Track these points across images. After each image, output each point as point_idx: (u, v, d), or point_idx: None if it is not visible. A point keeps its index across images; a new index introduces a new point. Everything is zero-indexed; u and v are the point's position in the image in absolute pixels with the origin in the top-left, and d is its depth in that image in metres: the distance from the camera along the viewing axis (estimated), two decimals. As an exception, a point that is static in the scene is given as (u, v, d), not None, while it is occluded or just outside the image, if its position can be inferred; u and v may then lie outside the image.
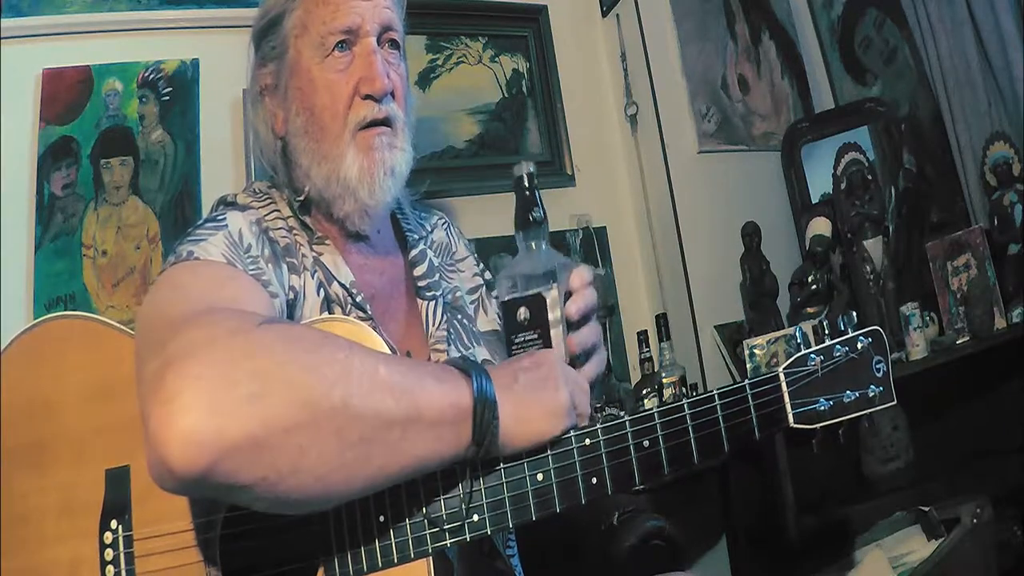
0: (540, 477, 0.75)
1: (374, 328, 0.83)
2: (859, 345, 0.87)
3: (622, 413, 0.80)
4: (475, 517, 0.74)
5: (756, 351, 2.13)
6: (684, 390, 2.09)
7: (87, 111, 1.89)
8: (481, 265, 1.20)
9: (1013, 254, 2.00)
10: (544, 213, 0.88)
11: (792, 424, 0.81)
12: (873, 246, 2.21)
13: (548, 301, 0.84)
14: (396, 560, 0.73)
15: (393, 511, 0.74)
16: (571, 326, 0.85)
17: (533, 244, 0.87)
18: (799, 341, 0.90)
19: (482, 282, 1.17)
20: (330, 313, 0.94)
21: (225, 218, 0.91)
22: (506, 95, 2.33)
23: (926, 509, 1.56)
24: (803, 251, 2.36)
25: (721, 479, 1.98)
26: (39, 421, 0.78)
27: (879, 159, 2.33)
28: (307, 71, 0.95)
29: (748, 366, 2.14)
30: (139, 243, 1.88)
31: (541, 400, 0.75)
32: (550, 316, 0.83)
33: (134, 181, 1.91)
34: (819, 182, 2.42)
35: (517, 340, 0.84)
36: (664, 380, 2.04)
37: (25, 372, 0.79)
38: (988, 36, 2.11)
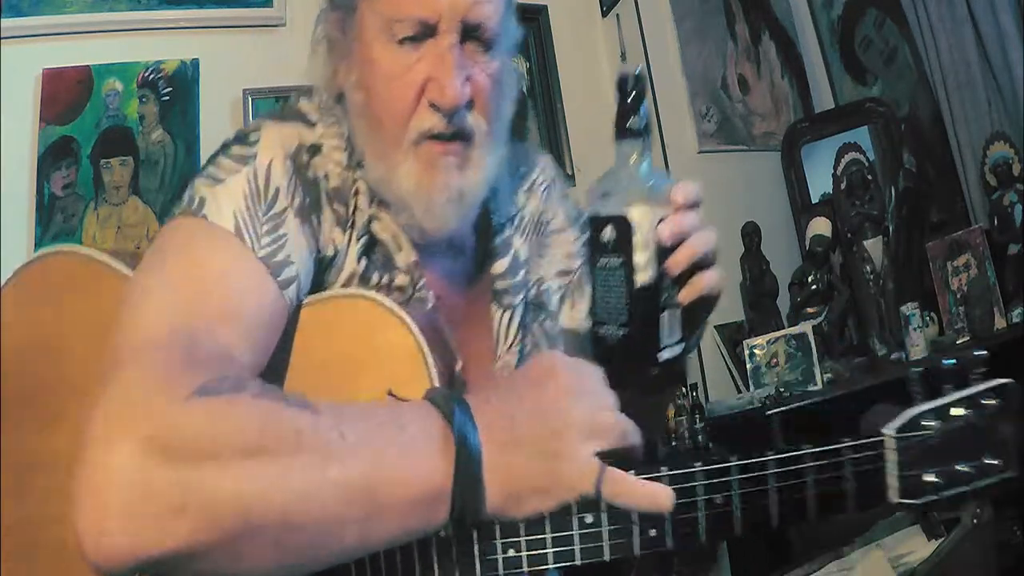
0: (589, 520, 0.63)
1: (433, 326, 0.72)
2: (983, 405, 0.69)
3: (697, 463, 0.66)
4: (510, 552, 0.64)
5: (756, 351, 2.13)
6: (684, 390, 2.09)
7: (87, 111, 1.90)
8: (588, 235, 0.99)
9: (1013, 254, 2.00)
10: (647, 124, 0.76)
11: (895, 501, 0.68)
12: (873, 246, 2.21)
13: (635, 224, 0.72)
14: None
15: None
16: (666, 252, 0.72)
17: (630, 158, 0.75)
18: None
19: (577, 265, 0.95)
20: (366, 287, 0.78)
21: (258, 141, 0.75)
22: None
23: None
24: (803, 251, 2.36)
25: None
26: (45, 366, 0.74)
27: (879, 159, 2.33)
28: (369, 46, 0.77)
29: (748, 366, 2.14)
30: (139, 243, 1.88)
31: (541, 472, 0.60)
32: (636, 244, 0.72)
33: (134, 181, 1.91)
34: (819, 182, 2.42)
35: (600, 263, 0.74)
36: (664, 380, 2.04)
37: (29, 313, 0.75)
38: (988, 36, 2.11)
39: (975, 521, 1.48)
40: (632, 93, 0.74)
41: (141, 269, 0.68)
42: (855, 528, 1.67)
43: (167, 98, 1.95)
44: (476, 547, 0.63)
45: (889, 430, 0.67)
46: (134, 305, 0.63)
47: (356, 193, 0.79)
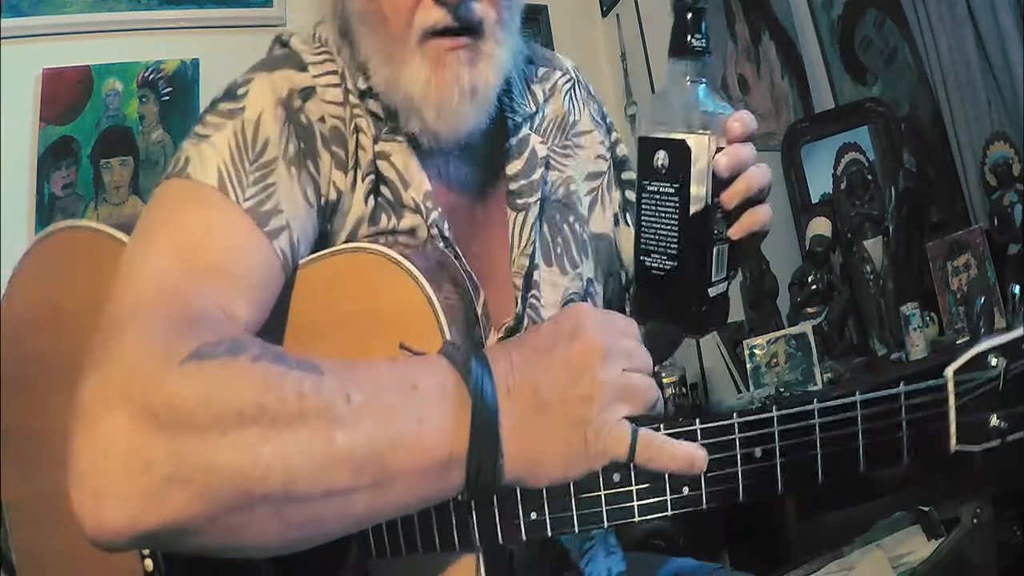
0: (617, 478, 0.59)
1: (449, 269, 0.69)
2: None
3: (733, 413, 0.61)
4: (533, 515, 0.60)
5: (756, 351, 2.13)
6: (684, 390, 2.09)
7: (87, 111, 1.90)
8: (614, 136, 0.93)
9: (1013, 254, 2.00)
10: (708, 44, 0.70)
11: (954, 447, 0.61)
12: (873, 246, 2.21)
13: (693, 152, 0.67)
14: (438, 546, 0.61)
15: None
16: (720, 183, 0.68)
17: (686, 79, 0.70)
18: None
19: (606, 167, 0.91)
20: (376, 228, 0.75)
21: (247, 93, 0.73)
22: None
23: (926, 509, 1.56)
24: (803, 251, 2.36)
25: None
26: (58, 339, 0.72)
27: (879, 159, 2.33)
28: None
29: (748, 366, 2.14)
30: (139, 243, 1.88)
31: (567, 439, 0.56)
32: (693, 172, 0.67)
33: (134, 181, 1.91)
34: (819, 182, 2.42)
35: (651, 188, 0.69)
36: (664, 380, 2.05)
37: (46, 285, 0.75)
38: (988, 36, 2.11)
39: (975, 521, 1.47)
40: (693, 9, 0.69)
41: (131, 238, 0.66)
42: (855, 528, 1.67)
43: (167, 98, 1.95)
44: (496, 510, 0.60)
45: (950, 370, 0.61)
46: (123, 274, 0.61)
47: (356, 131, 0.75)
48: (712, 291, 0.69)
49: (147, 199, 2.05)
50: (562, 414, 0.56)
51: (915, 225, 2.23)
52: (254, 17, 2.06)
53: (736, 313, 2.30)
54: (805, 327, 2.11)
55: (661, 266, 0.69)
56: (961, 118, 2.18)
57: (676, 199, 0.67)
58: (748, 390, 2.12)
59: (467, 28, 0.71)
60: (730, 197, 0.68)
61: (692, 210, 0.67)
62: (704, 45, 0.69)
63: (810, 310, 2.23)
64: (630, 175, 0.92)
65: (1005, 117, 2.12)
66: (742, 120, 0.67)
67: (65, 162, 1.87)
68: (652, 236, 0.70)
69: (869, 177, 2.27)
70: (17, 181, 1.80)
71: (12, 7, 1.83)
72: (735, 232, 0.69)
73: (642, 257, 0.70)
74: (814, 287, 2.23)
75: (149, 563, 0.70)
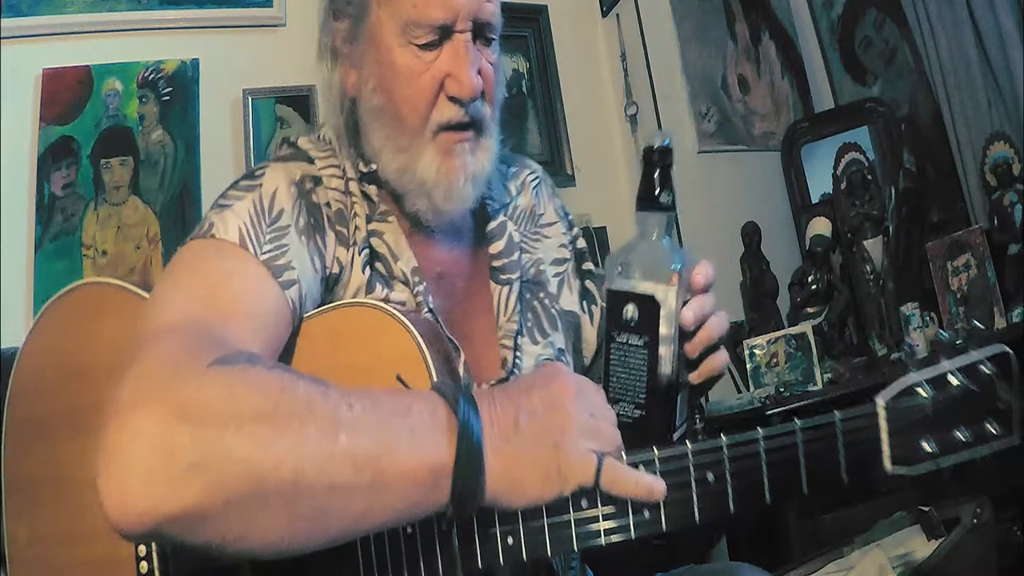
0: (585, 503, 0.66)
1: (433, 331, 0.77)
2: (981, 373, 0.69)
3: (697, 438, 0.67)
4: (509, 540, 0.66)
5: (756, 351, 2.13)
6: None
7: (87, 111, 1.90)
8: (575, 231, 1.05)
9: (1013, 254, 2.00)
10: (673, 199, 0.73)
11: (889, 469, 0.67)
12: (873, 246, 2.21)
13: (663, 309, 0.72)
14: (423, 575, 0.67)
15: (422, 525, 0.68)
16: (687, 334, 0.74)
17: (654, 232, 0.74)
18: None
19: (569, 255, 1.02)
20: (373, 295, 0.84)
21: (263, 175, 0.83)
22: (506, 95, 2.33)
23: (926, 509, 1.56)
24: (803, 251, 2.36)
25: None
26: (78, 388, 0.78)
27: (879, 159, 2.33)
28: (388, 50, 0.83)
29: (748, 366, 2.14)
30: (139, 243, 1.88)
31: (542, 461, 0.63)
32: (662, 327, 0.72)
33: (134, 181, 1.91)
34: (819, 182, 2.42)
35: (619, 339, 0.73)
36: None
37: (63, 339, 0.80)
38: (988, 36, 2.11)
39: (975, 521, 1.47)
40: (660, 165, 0.73)
41: (155, 287, 0.74)
42: (855, 528, 1.67)
43: (167, 98, 1.95)
44: (476, 534, 0.66)
45: (882, 399, 0.68)
46: (152, 304, 0.70)
47: (354, 216, 0.86)
48: (675, 435, 0.75)
49: (146, 199, 2.06)
50: (538, 440, 0.64)
51: (915, 225, 2.23)
52: (254, 17, 2.06)
53: (736, 313, 2.30)
54: (805, 327, 2.11)
55: (629, 414, 0.74)
56: (961, 118, 2.18)
57: (644, 352, 0.72)
58: (748, 390, 2.12)
59: (474, 123, 0.84)
60: (694, 347, 0.75)
61: (660, 363, 0.72)
62: (671, 200, 0.74)
63: (810, 310, 2.23)
64: (589, 266, 1.04)
65: (1005, 117, 2.12)
66: (705, 273, 0.74)
67: (65, 162, 1.86)
68: (620, 386, 0.74)
69: (869, 177, 2.27)
70: (17, 181, 1.80)
71: (12, 7, 1.83)
72: (696, 378, 0.77)
73: (610, 405, 0.73)
74: (814, 287, 2.23)
75: (144, 564, 0.73)
